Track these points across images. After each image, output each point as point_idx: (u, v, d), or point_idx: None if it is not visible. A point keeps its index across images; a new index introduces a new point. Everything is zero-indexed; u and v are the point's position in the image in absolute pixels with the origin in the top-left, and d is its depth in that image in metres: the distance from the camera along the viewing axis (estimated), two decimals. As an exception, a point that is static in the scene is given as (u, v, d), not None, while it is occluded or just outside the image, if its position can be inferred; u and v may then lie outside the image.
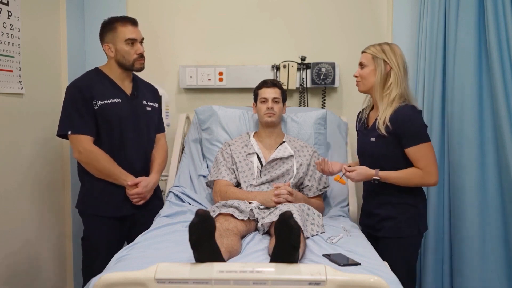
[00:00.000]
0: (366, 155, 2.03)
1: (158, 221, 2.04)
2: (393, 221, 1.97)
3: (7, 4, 2.05)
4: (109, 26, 2.09)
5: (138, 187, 2.08)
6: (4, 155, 2.07)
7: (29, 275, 2.25)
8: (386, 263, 1.60)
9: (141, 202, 2.12)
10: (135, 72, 2.21)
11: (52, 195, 2.45)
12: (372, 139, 1.97)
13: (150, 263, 1.23)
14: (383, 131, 1.90)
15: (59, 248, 2.51)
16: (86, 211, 2.14)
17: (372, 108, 2.10)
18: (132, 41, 2.07)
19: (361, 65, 2.01)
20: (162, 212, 2.16)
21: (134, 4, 2.82)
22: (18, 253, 2.17)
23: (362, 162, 2.05)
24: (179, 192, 2.32)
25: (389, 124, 1.89)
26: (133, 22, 2.11)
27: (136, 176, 2.11)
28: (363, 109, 2.15)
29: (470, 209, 2.33)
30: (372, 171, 1.93)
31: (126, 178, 2.07)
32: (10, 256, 2.11)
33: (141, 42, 2.13)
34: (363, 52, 2.03)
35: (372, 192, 2.05)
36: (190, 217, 1.34)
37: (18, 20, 2.13)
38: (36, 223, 2.31)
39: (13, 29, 2.09)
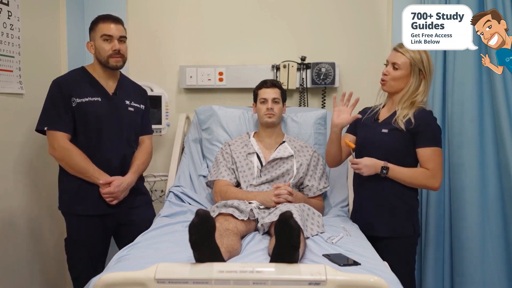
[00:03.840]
0: (373, 146, 2.02)
1: (158, 221, 2.04)
2: (386, 220, 1.98)
3: (7, 4, 2.06)
4: (92, 24, 2.09)
5: (111, 186, 2.04)
6: (4, 155, 2.07)
7: (28, 274, 2.25)
8: (386, 263, 1.60)
9: (114, 202, 2.07)
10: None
11: (52, 194, 2.44)
12: (384, 130, 1.99)
13: (150, 263, 1.23)
14: (402, 125, 1.93)
15: (59, 247, 2.51)
16: (65, 210, 2.12)
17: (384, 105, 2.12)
18: (108, 38, 2.05)
19: (395, 66, 1.99)
20: (162, 212, 2.16)
21: (134, 4, 2.82)
22: (17, 252, 2.17)
23: (364, 154, 2.03)
24: (179, 192, 2.32)
25: (412, 119, 1.92)
26: (114, 19, 2.08)
27: (112, 176, 2.08)
28: (374, 106, 2.16)
29: (470, 209, 2.33)
30: (380, 161, 1.94)
31: (99, 176, 2.03)
32: (9, 255, 2.11)
33: (121, 40, 2.08)
34: (398, 50, 1.99)
35: (365, 179, 2.03)
36: (190, 217, 1.34)
37: (18, 20, 2.13)
38: (36, 222, 2.31)
39: (13, 29, 2.09)
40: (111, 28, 2.06)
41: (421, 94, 1.98)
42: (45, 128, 2.02)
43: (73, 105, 2.03)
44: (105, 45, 2.05)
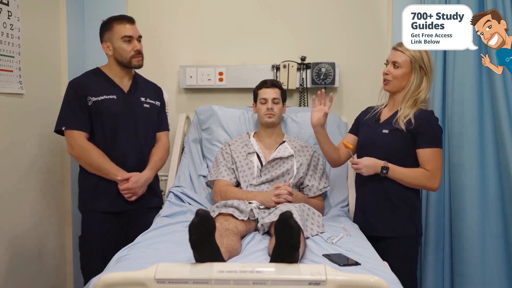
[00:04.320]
0: (373, 146, 2.03)
1: (158, 221, 2.04)
2: (388, 220, 1.98)
3: (7, 4, 2.05)
4: (106, 26, 2.12)
5: (129, 182, 2.07)
6: (5, 155, 2.07)
7: (29, 273, 2.25)
8: (386, 263, 1.60)
9: (133, 198, 2.10)
10: (136, 71, 2.23)
11: (52, 194, 2.45)
12: (385, 131, 2.00)
13: (150, 263, 1.23)
14: (402, 126, 1.93)
15: (60, 246, 2.51)
16: (82, 207, 2.16)
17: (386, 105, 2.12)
18: (128, 38, 2.09)
19: (395, 64, 1.99)
20: (162, 212, 2.16)
21: (134, 4, 2.82)
22: (18, 252, 2.16)
23: (365, 154, 2.03)
24: (179, 192, 2.32)
25: (412, 120, 1.93)
26: (129, 20, 2.13)
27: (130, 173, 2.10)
28: (376, 106, 2.16)
29: (470, 209, 2.33)
30: (381, 161, 1.95)
31: (117, 173, 2.07)
32: (10, 255, 2.11)
33: (139, 39, 2.14)
34: (397, 49, 2.00)
35: (367, 179, 2.03)
36: (190, 217, 1.34)
37: (18, 20, 2.13)
38: (36, 221, 2.31)
39: (13, 29, 2.09)
40: (130, 29, 2.11)
41: (424, 91, 1.98)
42: (63, 128, 2.06)
43: (89, 104, 2.07)
44: (125, 46, 2.09)
